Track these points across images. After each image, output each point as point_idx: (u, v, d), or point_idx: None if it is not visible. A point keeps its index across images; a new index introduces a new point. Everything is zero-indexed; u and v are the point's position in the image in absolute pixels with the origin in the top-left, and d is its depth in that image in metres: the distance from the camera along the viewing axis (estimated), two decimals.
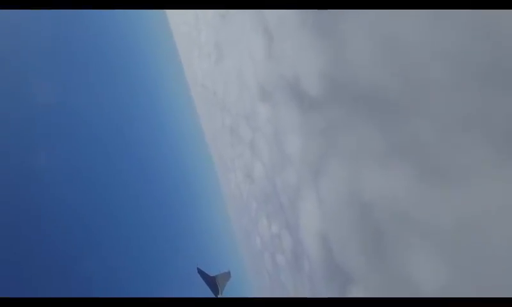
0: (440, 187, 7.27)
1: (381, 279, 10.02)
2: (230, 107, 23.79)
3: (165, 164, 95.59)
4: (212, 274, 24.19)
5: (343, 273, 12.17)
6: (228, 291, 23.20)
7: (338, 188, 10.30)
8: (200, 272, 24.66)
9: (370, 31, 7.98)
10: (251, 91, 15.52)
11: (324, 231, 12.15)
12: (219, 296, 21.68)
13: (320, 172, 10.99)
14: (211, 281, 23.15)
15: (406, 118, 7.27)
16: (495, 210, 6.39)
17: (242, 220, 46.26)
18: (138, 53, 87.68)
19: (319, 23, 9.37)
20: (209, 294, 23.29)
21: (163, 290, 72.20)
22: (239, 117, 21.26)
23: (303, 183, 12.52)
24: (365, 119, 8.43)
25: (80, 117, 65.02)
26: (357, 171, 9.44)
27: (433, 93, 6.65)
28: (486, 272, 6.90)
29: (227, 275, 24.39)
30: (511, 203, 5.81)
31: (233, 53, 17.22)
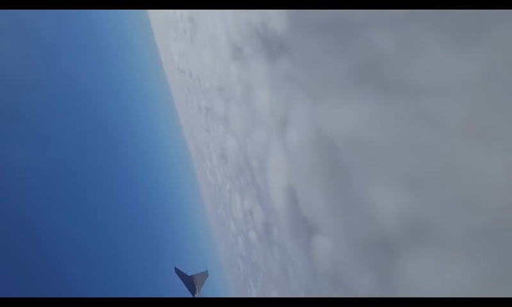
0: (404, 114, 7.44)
1: (346, 223, 10.17)
2: (204, 82, 23.74)
3: (141, 160, 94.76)
4: (189, 273, 24.08)
5: (309, 225, 12.30)
6: (206, 290, 23.16)
7: (304, 133, 10.42)
8: (178, 271, 24.53)
9: None
10: (224, 55, 15.55)
11: (290, 184, 12.26)
12: (196, 295, 21.57)
13: (286, 121, 11.09)
14: (188, 281, 23.05)
15: (365, 39, 7.43)
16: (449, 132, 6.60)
17: (217, 209, 46.16)
18: (115, 44, 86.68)
19: None
20: (187, 294, 23.18)
21: (140, 290, 71.56)
22: (213, 90, 21.25)
23: (271, 139, 12.60)
24: (328, 51, 8.56)
25: (53, 104, 63.81)
26: (321, 110, 9.58)
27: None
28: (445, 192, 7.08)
29: (204, 274, 24.32)
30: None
31: (207, 20, 17.21)
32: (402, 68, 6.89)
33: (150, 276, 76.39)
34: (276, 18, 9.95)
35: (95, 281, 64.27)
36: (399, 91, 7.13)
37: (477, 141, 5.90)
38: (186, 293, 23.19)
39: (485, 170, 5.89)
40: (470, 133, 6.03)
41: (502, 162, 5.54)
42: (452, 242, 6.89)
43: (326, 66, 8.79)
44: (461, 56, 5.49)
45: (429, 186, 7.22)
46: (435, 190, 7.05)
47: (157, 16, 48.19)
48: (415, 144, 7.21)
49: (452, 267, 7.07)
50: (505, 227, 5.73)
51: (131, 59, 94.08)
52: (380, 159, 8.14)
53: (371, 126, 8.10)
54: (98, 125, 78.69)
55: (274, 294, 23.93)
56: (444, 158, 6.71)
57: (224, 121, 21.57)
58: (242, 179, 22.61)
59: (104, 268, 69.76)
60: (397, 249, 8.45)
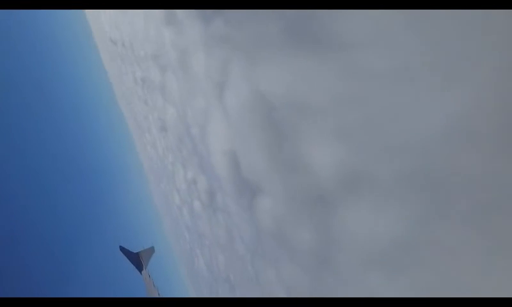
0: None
1: (286, 181, 10.45)
2: (138, 51, 22.88)
3: (77, 140, 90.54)
4: (135, 250, 23.74)
5: (251, 186, 12.53)
6: (153, 266, 22.96)
7: (242, 95, 10.47)
8: (123, 249, 24.07)
9: None
10: (157, 20, 15.03)
11: (231, 148, 12.35)
12: (143, 272, 21.32)
13: (224, 84, 11.05)
14: (135, 258, 22.72)
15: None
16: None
17: (161, 184, 45.49)
18: (40, 22, 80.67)
19: None
20: (134, 271, 22.85)
21: (85, 272, 69.53)
22: (148, 59, 20.56)
23: (210, 104, 12.52)
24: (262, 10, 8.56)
25: None
26: (257, 70, 9.64)
27: None
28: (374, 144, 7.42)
29: (151, 250, 24.09)
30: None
31: None
32: (333, 23, 7.07)
33: (95, 257, 74.45)
34: None
35: (37, 267, 61.74)
36: (331, 46, 7.34)
37: (404, 91, 6.24)
38: (133, 271, 22.98)
39: (412, 117, 6.28)
40: (397, 84, 6.35)
41: (427, 109, 5.91)
42: (383, 188, 7.36)
43: (261, 26, 8.82)
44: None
45: (361, 137, 7.59)
46: (366, 140, 7.44)
47: None
48: (347, 98, 7.51)
49: (384, 211, 7.55)
50: (429, 169, 6.18)
51: (59, 31, 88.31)
52: (315, 115, 8.41)
53: (306, 83, 8.31)
54: (27, 106, 74.03)
55: (221, 260, 24.35)
56: (374, 109, 7.04)
57: (162, 91, 21.08)
58: (184, 149, 22.40)
59: (45, 252, 67.08)
60: (334, 201, 8.88)
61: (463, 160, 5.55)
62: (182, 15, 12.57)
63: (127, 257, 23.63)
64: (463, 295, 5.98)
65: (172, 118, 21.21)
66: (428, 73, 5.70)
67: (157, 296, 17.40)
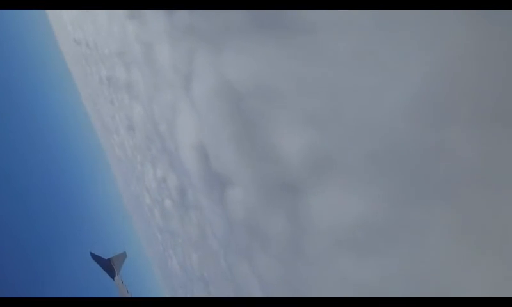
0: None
1: (256, 170, 10.43)
2: (102, 49, 22.35)
3: (43, 147, 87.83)
4: (106, 256, 23.21)
5: (221, 179, 12.45)
6: (126, 271, 22.48)
7: (208, 86, 10.37)
8: (94, 256, 23.49)
9: None
10: (119, 14, 14.70)
11: (200, 141, 12.23)
12: (116, 278, 20.85)
13: (191, 76, 10.92)
14: (106, 264, 22.17)
15: None
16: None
17: (130, 186, 44.69)
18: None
19: None
20: (106, 277, 22.35)
21: (57, 281, 67.50)
22: (113, 56, 20.12)
23: (177, 97, 12.36)
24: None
25: None
26: (223, 59, 9.58)
27: None
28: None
29: (123, 255, 23.58)
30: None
31: None
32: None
33: (65, 265, 72.43)
34: None
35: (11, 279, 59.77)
36: (296, 30, 7.35)
37: (368, 71, 6.31)
38: (105, 277, 22.50)
39: (378, 96, 6.36)
40: (361, 65, 6.42)
41: (392, 88, 6.00)
42: (352, 170, 7.44)
43: (225, 13, 8.76)
44: None
45: (329, 121, 7.64)
46: (334, 124, 7.50)
47: None
48: (313, 82, 7.54)
49: (353, 192, 7.63)
50: (397, 146, 6.28)
51: (20, 34, 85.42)
52: (283, 102, 8.42)
53: (272, 70, 8.31)
54: None
55: (195, 258, 24.14)
56: (340, 91, 7.10)
57: (128, 89, 20.68)
58: (152, 147, 22.07)
59: (13, 259, 64.92)
60: (304, 187, 8.92)
61: (432, 136, 5.65)
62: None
63: (99, 263, 23.09)
64: (436, 276, 6.12)
65: (139, 116, 20.85)
66: (389, 51, 5.78)
67: None
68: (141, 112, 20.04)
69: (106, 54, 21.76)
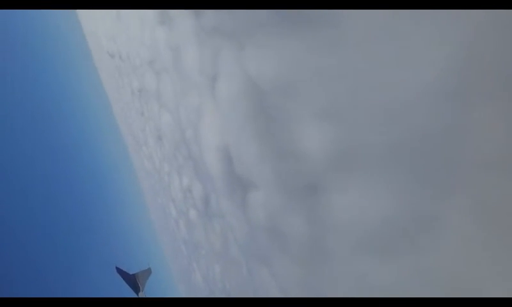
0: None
1: (277, 170, 10.35)
2: (134, 59, 23.03)
3: (75, 159, 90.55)
4: (131, 271, 23.47)
5: (243, 182, 12.40)
6: (150, 288, 22.70)
7: (232, 84, 10.45)
8: (119, 270, 23.80)
9: None
10: (150, 21, 15.15)
11: (224, 143, 12.27)
12: (140, 293, 21.05)
13: (216, 76, 11.05)
14: (131, 279, 22.44)
15: None
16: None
17: (157, 199, 45.25)
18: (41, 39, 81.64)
19: None
20: (130, 293, 22.60)
21: (82, 292, 68.51)
22: (144, 66, 20.67)
23: (202, 99, 12.51)
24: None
25: None
26: (247, 55, 9.65)
27: None
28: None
29: (147, 271, 23.81)
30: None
31: None
32: None
33: (91, 277, 73.48)
34: None
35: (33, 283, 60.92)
36: (318, 23, 7.33)
37: (393, 62, 6.20)
38: (130, 293, 22.65)
39: (398, 86, 6.22)
40: (386, 57, 6.32)
41: (413, 78, 5.86)
42: (373, 162, 7.25)
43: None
44: None
45: (351, 114, 7.51)
46: (356, 115, 7.36)
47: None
48: (335, 76, 7.46)
49: (376, 188, 7.42)
50: (419, 136, 6.08)
51: (57, 52, 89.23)
52: (304, 96, 8.36)
53: (294, 64, 8.29)
54: (23, 129, 74.26)
55: (217, 270, 24.01)
56: (362, 84, 6.99)
57: (158, 97, 21.13)
58: (179, 156, 22.33)
59: (40, 269, 66.31)
60: (325, 185, 8.75)
61: (456, 123, 5.45)
62: (174, 11, 12.66)
63: (123, 278, 23.29)
64: (463, 278, 5.83)
65: (167, 124, 21.20)
66: (411, 35, 5.66)
67: None
68: (169, 120, 20.38)
69: (137, 64, 22.38)
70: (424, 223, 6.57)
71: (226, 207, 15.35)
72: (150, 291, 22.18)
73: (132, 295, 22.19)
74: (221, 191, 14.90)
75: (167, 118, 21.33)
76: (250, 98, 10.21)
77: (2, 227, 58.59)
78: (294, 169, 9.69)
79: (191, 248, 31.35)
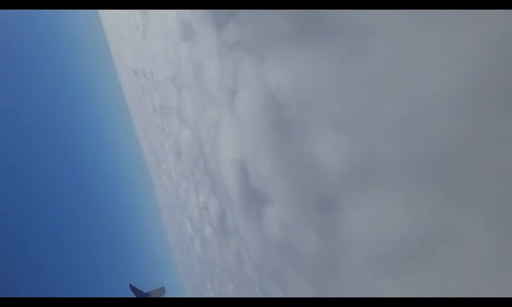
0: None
1: (293, 184, 10.26)
2: (157, 75, 23.49)
3: (97, 173, 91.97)
4: (145, 290, 23.49)
5: (259, 196, 12.32)
6: None
7: (251, 97, 10.51)
8: (133, 288, 23.87)
9: None
10: (174, 37, 15.49)
11: (241, 157, 12.27)
12: None
13: (235, 89, 11.15)
14: (145, 298, 22.46)
15: None
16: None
17: (174, 216, 45.34)
18: (67, 52, 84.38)
19: None
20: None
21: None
22: (166, 81, 21.05)
23: (221, 113, 12.60)
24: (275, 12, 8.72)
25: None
26: (267, 68, 9.71)
27: None
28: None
29: (161, 290, 23.84)
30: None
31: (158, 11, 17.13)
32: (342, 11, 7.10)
33: (105, 293, 73.41)
34: None
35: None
36: (338, 36, 7.35)
37: (410, 72, 6.14)
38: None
39: (416, 95, 6.13)
40: (405, 69, 6.27)
41: (432, 90, 5.78)
42: (390, 175, 7.10)
43: (269, 22, 8.95)
44: None
45: (369, 127, 7.42)
46: (373, 128, 7.27)
47: (109, 19, 47.51)
48: (353, 85, 7.42)
49: (393, 203, 7.26)
50: (437, 147, 5.95)
51: (85, 70, 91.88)
52: (322, 108, 8.32)
53: (314, 75, 8.29)
54: (50, 143, 76.14)
55: (230, 288, 23.69)
56: (381, 96, 6.92)
57: (178, 113, 21.40)
58: (197, 172, 22.41)
59: (56, 285, 66.68)
60: (342, 200, 8.61)
61: (477, 135, 5.31)
62: (197, 25, 12.91)
63: (137, 296, 23.26)
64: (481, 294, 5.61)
65: (187, 140, 21.38)
66: (428, 44, 5.60)
67: None
68: (188, 135, 20.56)
69: (160, 80, 22.79)
70: (440, 238, 6.35)
71: (241, 223, 15.23)
72: None
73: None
74: (236, 206, 14.82)
75: (186, 134, 21.53)
76: (268, 111, 10.22)
77: (23, 246, 59.55)
78: (310, 183, 9.57)
79: (205, 267, 31.11)
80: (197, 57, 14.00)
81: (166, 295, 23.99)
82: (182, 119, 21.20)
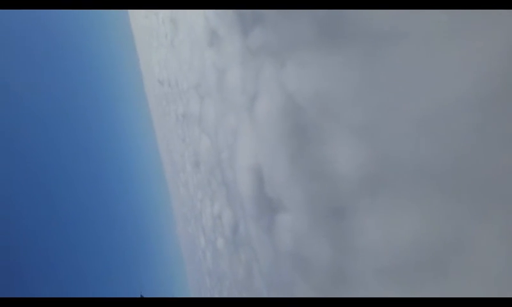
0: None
1: (307, 191, 10.21)
2: (182, 83, 23.91)
3: (115, 181, 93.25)
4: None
5: (273, 204, 12.27)
6: None
7: (271, 102, 10.58)
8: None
9: None
10: (201, 44, 15.81)
11: (257, 163, 12.29)
12: None
13: (256, 94, 11.25)
14: None
15: None
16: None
17: (188, 228, 45.44)
18: (97, 61, 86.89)
19: None
20: None
21: None
22: (190, 90, 21.41)
23: (240, 119, 12.71)
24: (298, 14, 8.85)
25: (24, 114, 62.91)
26: (288, 72, 9.79)
27: None
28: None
29: None
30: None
31: (186, 17, 17.57)
32: (364, 15, 7.15)
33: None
34: None
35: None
36: (361, 39, 7.38)
37: (428, 76, 6.11)
38: None
39: (437, 99, 6.07)
40: (424, 71, 6.24)
41: (453, 95, 5.73)
42: (405, 182, 7.00)
43: (293, 25, 9.06)
44: None
45: (386, 131, 7.36)
46: (390, 134, 7.20)
47: (139, 29, 48.83)
48: (373, 89, 7.40)
49: (408, 211, 7.13)
50: (458, 155, 5.85)
51: (111, 80, 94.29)
52: (341, 114, 8.30)
53: (334, 80, 8.30)
54: (73, 152, 77.86)
55: None
56: (400, 96, 6.88)
57: (199, 122, 21.65)
58: (213, 181, 22.50)
59: (67, 289, 67.22)
60: (354, 207, 8.50)
61: (500, 138, 5.20)
62: (223, 32, 13.15)
63: None
64: None
65: (206, 148, 21.56)
66: (450, 45, 5.55)
67: None
68: (207, 144, 20.74)
69: (185, 88, 23.17)
70: (455, 248, 6.17)
71: (253, 232, 15.13)
72: None
73: None
74: (249, 214, 14.76)
75: (206, 142, 21.72)
76: (287, 117, 10.25)
77: (36, 247, 60.44)
78: (324, 190, 9.49)
79: (214, 280, 30.90)
80: (221, 64, 14.21)
81: None
82: (202, 128, 21.43)
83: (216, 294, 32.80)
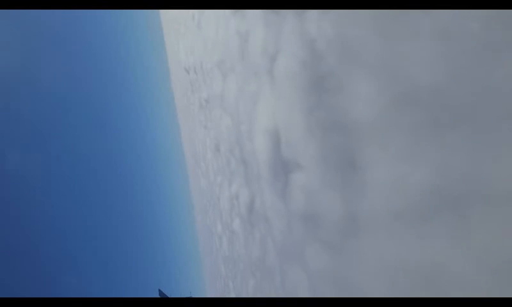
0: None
1: (322, 144, 10.12)
2: (206, 64, 24.15)
3: (137, 178, 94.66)
4: (172, 296, 23.88)
5: (288, 163, 12.21)
6: None
7: (290, 57, 10.57)
8: (161, 293, 24.29)
9: None
10: (226, 13, 15.95)
11: (274, 124, 12.27)
12: None
13: (277, 53, 11.27)
14: None
15: None
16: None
17: (206, 219, 45.70)
18: (126, 52, 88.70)
19: None
20: None
21: None
22: (214, 69, 21.61)
23: (261, 84, 12.73)
24: None
25: (52, 103, 64.73)
26: (307, 20, 9.76)
27: None
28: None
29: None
30: None
31: None
32: None
33: (134, 293, 74.67)
34: None
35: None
36: None
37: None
38: None
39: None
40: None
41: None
42: (421, 122, 6.84)
43: None
44: None
45: (403, 75, 7.23)
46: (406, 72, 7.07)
47: (168, 21, 49.64)
48: (395, 34, 7.28)
49: (421, 149, 6.98)
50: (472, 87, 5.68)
51: (138, 68, 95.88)
52: (360, 54, 8.21)
53: (354, 25, 8.22)
54: (96, 141, 79.47)
55: (251, 284, 23.36)
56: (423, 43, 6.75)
57: (221, 101, 21.80)
58: (232, 161, 22.58)
59: (84, 285, 68.48)
60: (369, 154, 8.38)
61: None
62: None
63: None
64: None
65: (226, 127, 21.67)
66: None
67: None
68: (228, 123, 20.83)
69: (208, 68, 23.37)
70: (472, 190, 5.94)
71: (268, 200, 15.09)
72: None
73: None
74: (265, 179, 14.73)
75: (226, 121, 21.84)
76: (306, 69, 10.21)
77: (63, 246, 61.87)
78: (339, 141, 9.38)
79: (229, 265, 30.94)
80: (244, 29, 14.29)
81: None
82: (224, 108, 21.57)
83: (229, 280, 32.86)
